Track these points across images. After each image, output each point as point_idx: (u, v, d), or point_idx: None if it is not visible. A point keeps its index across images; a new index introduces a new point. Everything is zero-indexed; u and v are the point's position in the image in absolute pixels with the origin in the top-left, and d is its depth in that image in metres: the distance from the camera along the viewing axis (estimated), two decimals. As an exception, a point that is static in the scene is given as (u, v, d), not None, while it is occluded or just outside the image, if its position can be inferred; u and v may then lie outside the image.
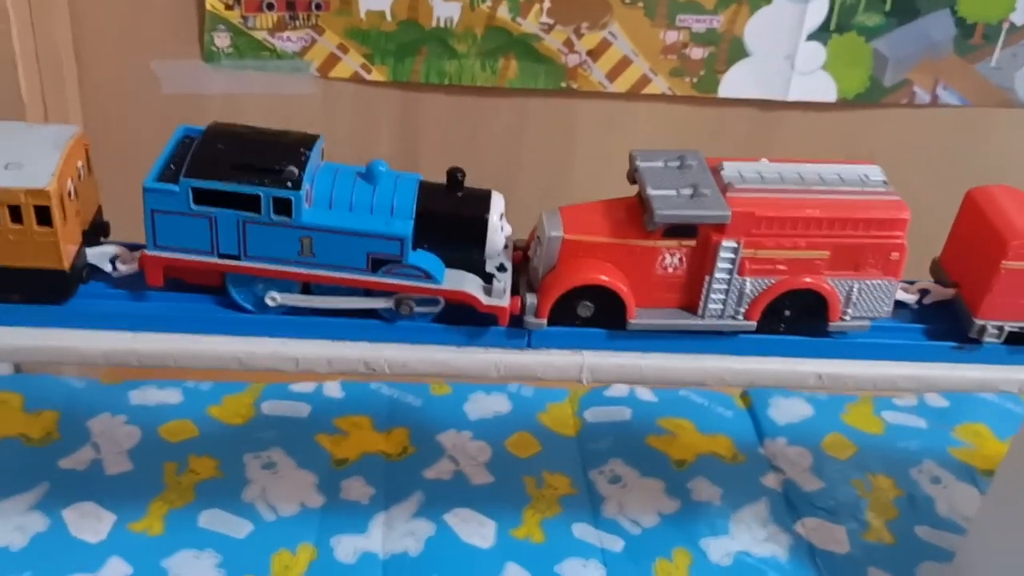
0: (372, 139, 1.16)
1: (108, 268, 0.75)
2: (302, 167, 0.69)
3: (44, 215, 0.68)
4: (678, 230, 0.73)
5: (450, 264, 0.73)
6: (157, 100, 1.11)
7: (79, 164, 0.73)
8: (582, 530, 1.05)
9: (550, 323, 0.74)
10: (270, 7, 1.08)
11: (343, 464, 1.11)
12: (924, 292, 0.81)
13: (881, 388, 0.79)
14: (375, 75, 1.13)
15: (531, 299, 0.74)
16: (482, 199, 0.73)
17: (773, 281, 0.74)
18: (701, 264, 0.73)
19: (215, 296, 0.75)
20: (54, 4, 1.03)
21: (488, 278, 0.74)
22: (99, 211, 0.78)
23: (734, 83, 1.16)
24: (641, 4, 1.10)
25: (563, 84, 1.14)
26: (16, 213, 0.68)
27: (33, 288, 0.71)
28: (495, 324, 0.74)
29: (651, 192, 0.72)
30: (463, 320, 0.75)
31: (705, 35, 1.12)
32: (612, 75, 1.14)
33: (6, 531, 0.99)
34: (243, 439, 1.12)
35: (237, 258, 0.72)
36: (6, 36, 0.99)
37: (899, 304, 0.79)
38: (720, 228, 0.72)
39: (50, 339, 0.72)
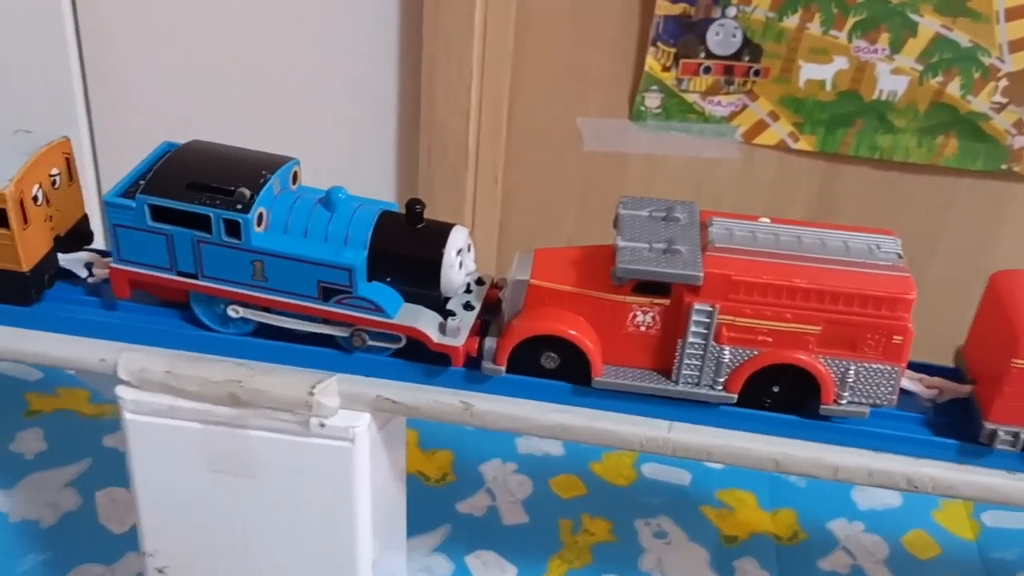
0: (786, 207, 1.13)
1: (83, 273, 0.76)
2: (257, 190, 0.68)
3: (2, 218, 0.69)
4: (649, 287, 0.67)
5: (410, 299, 0.70)
6: (577, 156, 1.12)
7: (53, 171, 0.73)
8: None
9: (513, 370, 0.69)
10: (707, 71, 1.06)
11: (733, 542, 1.07)
12: (941, 391, 0.72)
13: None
14: (802, 144, 1.09)
15: (490, 343, 0.69)
16: (440, 234, 0.69)
17: (755, 353, 0.67)
18: (675, 326, 0.67)
19: (182, 311, 0.74)
20: (504, 59, 1.05)
21: (448, 315, 0.70)
22: (83, 219, 0.78)
23: None
24: (1112, 87, 1.02)
25: (1003, 167, 1.07)
26: None
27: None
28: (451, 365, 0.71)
29: (620, 243, 0.67)
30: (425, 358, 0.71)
31: None
32: (1061, 161, 1.06)
33: (413, 571, 1.01)
34: (631, 502, 1.10)
35: (195, 277, 0.71)
36: (466, 89, 1.02)
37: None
38: (694, 289, 0.66)
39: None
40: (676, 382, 0.69)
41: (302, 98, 1.10)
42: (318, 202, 0.70)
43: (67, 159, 0.76)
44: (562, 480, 1.13)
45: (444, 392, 0.71)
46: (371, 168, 1.09)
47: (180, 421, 0.72)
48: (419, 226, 0.70)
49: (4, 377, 1.20)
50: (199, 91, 1.13)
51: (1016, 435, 0.67)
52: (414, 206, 0.69)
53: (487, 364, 0.69)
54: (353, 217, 0.70)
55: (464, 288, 0.72)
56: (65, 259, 0.76)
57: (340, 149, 1.12)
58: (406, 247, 0.69)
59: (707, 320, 0.66)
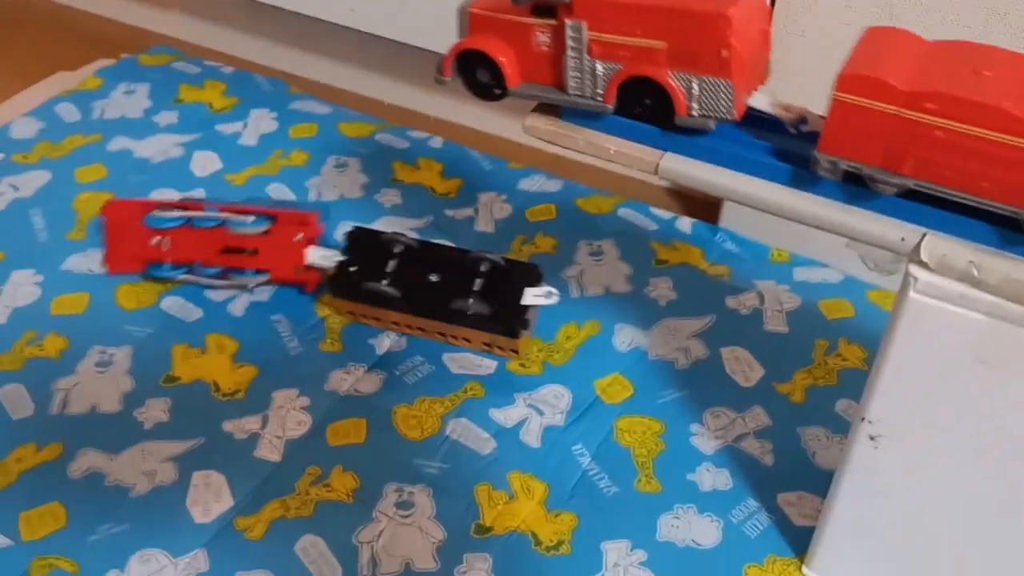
0: None
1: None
2: None
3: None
4: (543, 10, 0.80)
5: None
6: None
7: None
8: None
9: (467, 87, 0.86)
10: None
11: None
12: (804, 119, 0.81)
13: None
14: None
15: (439, 58, 0.85)
16: None
17: (619, 67, 0.79)
18: (564, 45, 0.80)
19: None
20: None
21: None
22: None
23: None
24: None
25: None
26: None
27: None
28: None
29: None
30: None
31: None
32: None
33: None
34: None
35: None
36: None
37: (779, 126, 0.81)
38: (568, 9, 0.78)
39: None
40: (568, 94, 0.82)
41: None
42: None
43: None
44: None
45: None
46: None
47: (964, 310, 0.74)
48: None
49: (630, 224, 1.31)
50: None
51: (835, 164, 0.74)
52: None
53: (436, 75, 0.86)
54: None
55: None
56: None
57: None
58: None
59: (578, 35, 0.79)
